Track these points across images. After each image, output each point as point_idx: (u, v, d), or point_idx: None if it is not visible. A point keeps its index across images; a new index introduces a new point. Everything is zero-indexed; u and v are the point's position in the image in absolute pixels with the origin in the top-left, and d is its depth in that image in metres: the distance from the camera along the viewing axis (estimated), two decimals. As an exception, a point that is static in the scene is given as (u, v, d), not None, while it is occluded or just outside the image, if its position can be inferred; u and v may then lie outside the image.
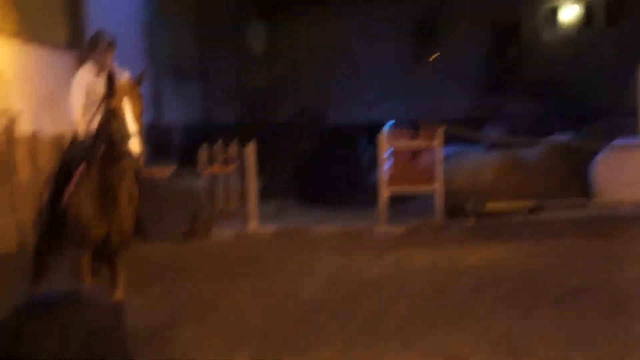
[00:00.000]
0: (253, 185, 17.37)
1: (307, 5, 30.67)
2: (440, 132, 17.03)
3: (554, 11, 31.51)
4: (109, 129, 7.66)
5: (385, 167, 17.35)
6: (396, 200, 17.24)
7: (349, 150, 26.65)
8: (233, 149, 18.34)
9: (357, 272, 11.72)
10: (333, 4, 30.00)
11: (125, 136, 7.47)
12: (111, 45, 8.43)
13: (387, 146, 17.44)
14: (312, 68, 30.25)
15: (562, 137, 19.18)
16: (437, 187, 16.82)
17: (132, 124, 7.56)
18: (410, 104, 27.22)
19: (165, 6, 23.43)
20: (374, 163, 18.60)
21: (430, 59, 31.08)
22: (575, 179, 17.81)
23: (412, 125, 18.50)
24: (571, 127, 19.98)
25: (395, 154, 17.54)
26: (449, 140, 17.45)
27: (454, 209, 16.61)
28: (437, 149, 17.02)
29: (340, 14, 29.92)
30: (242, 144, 17.52)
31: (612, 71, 24.23)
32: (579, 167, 18.02)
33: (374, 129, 18.93)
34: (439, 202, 16.81)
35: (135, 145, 7.51)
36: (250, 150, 17.40)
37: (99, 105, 7.91)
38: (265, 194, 18.56)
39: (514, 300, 9.44)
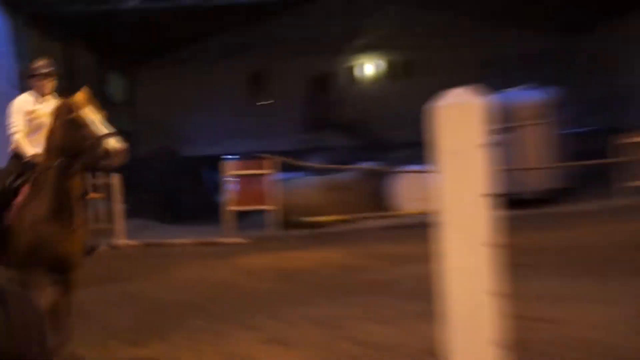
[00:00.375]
0: (119, 208, 17.24)
1: (161, 60, 30.58)
2: (273, 162, 17.30)
3: (363, 65, 32.70)
4: (75, 139, 6.15)
5: (230, 190, 17.51)
6: (240, 217, 17.39)
7: (199, 177, 26.96)
8: (101, 178, 18.18)
9: (211, 274, 11.74)
10: (183, 61, 29.99)
11: (99, 140, 6.03)
12: (51, 73, 7.16)
13: (231, 173, 17.61)
14: (168, 112, 30.20)
15: (369, 164, 19.71)
16: (273, 206, 17.06)
17: (103, 128, 6.15)
18: (249, 140, 27.41)
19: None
20: (220, 187, 18.68)
21: (263, 104, 31.47)
22: (379, 196, 18.42)
23: (250, 157, 18.67)
24: (377, 157, 20.57)
25: (238, 179, 17.73)
26: (281, 168, 17.74)
27: (289, 223, 16.88)
28: (272, 175, 17.29)
29: (190, 68, 29.90)
30: (109, 174, 17.36)
31: (410, 112, 25.06)
32: (381, 187, 18.67)
33: (219, 161, 19.07)
34: (275, 218, 17.11)
35: (115, 143, 6.06)
36: (116, 180, 17.30)
37: (57, 124, 6.32)
38: (130, 215, 18.38)
39: (335, 290, 9.66)
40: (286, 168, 18.56)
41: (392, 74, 32.59)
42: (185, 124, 30.47)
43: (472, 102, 1.69)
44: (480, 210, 1.71)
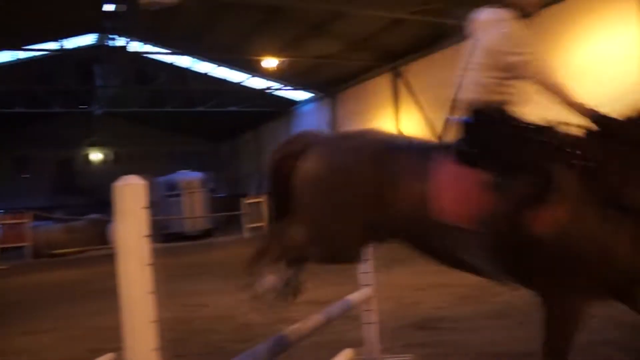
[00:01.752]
0: None
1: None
2: (30, 214, 15.63)
3: (92, 154, 31.47)
4: None
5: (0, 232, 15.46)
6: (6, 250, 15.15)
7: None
8: None
9: None
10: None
11: None
12: None
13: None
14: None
15: (95, 215, 18.34)
16: (29, 243, 15.28)
17: None
18: (17, 199, 25.23)
19: None
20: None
21: (25, 177, 28.86)
22: (103, 235, 17.05)
23: (15, 211, 16.86)
24: (101, 210, 19.18)
25: (4, 226, 15.66)
26: (36, 218, 16.22)
27: (40, 255, 15.25)
28: (29, 223, 15.56)
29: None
30: None
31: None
32: (104, 229, 17.38)
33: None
34: (30, 252, 15.31)
35: None
36: None
37: None
38: None
39: (73, 295, 8.82)
40: (39, 218, 17.04)
41: (111, 160, 31.49)
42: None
43: (139, 182, 1.76)
44: (143, 244, 1.73)
